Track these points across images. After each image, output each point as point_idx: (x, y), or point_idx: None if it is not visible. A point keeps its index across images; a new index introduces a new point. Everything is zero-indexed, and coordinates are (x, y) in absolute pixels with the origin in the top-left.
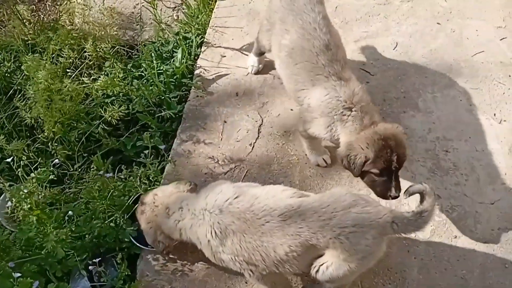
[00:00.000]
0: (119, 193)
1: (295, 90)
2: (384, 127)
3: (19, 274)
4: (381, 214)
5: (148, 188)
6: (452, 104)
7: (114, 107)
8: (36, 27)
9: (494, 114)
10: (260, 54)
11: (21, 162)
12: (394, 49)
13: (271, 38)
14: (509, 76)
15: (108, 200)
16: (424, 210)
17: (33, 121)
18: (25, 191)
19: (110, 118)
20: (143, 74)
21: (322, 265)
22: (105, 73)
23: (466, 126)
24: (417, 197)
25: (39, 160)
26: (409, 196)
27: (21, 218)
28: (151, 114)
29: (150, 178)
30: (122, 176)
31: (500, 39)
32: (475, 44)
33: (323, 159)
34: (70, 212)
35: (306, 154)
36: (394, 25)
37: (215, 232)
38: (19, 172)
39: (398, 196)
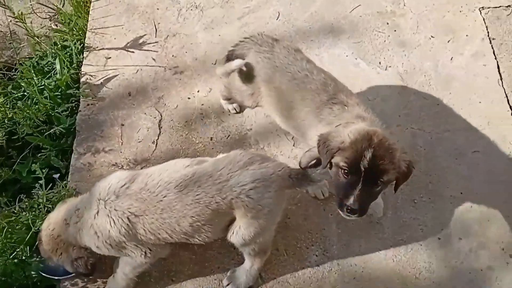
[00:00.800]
0: (21, 225)
1: (303, 132)
2: (382, 132)
3: None
4: (280, 167)
5: None
6: (338, 61)
7: None
8: None
9: (380, 63)
10: (229, 99)
11: None
12: (277, 19)
13: (257, 99)
14: (387, 23)
15: (6, 235)
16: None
17: None
18: None
19: None
20: (25, 93)
21: (236, 228)
22: None
23: (355, 80)
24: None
25: None
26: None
27: None
28: (42, 133)
29: (55, 199)
30: (24, 206)
31: None
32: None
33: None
34: None
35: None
36: None
37: (114, 221)
38: None
39: (355, 211)
